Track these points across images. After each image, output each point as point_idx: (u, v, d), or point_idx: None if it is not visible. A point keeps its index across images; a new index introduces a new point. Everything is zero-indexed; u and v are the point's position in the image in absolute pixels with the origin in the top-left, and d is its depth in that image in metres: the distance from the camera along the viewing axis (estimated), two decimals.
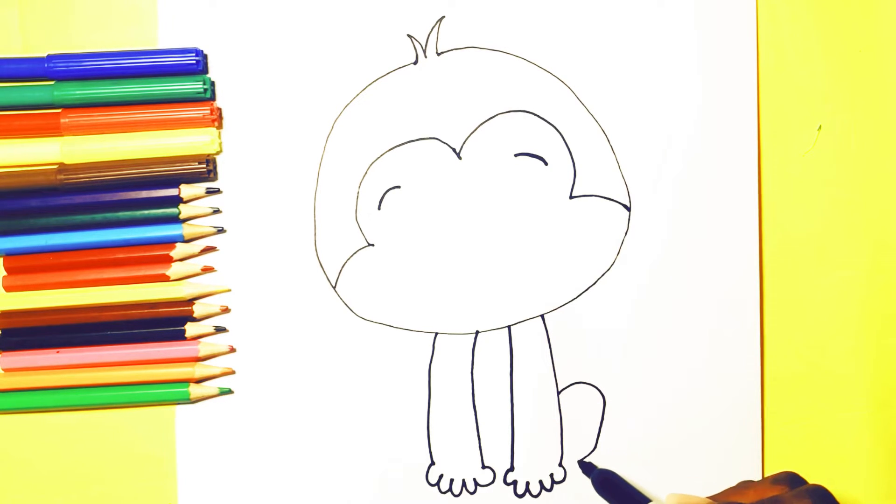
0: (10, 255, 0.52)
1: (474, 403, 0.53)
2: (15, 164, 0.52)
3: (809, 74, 0.53)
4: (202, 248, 0.52)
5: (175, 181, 0.52)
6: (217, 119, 0.52)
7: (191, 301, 0.52)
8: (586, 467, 0.53)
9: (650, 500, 0.47)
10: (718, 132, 0.53)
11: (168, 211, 0.52)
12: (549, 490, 0.53)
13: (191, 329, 0.52)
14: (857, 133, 0.54)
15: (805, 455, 0.54)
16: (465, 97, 0.53)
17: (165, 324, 0.52)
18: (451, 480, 0.53)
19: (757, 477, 0.53)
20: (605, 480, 0.51)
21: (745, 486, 0.45)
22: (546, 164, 0.53)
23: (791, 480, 0.43)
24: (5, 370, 0.52)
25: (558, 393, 0.53)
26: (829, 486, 0.54)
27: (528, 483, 0.53)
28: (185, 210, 0.52)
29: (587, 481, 0.53)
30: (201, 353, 0.52)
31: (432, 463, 0.53)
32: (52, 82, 0.51)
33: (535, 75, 0.53)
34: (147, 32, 0.52)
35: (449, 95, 0.53)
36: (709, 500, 0.42)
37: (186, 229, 0.52)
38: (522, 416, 0.53)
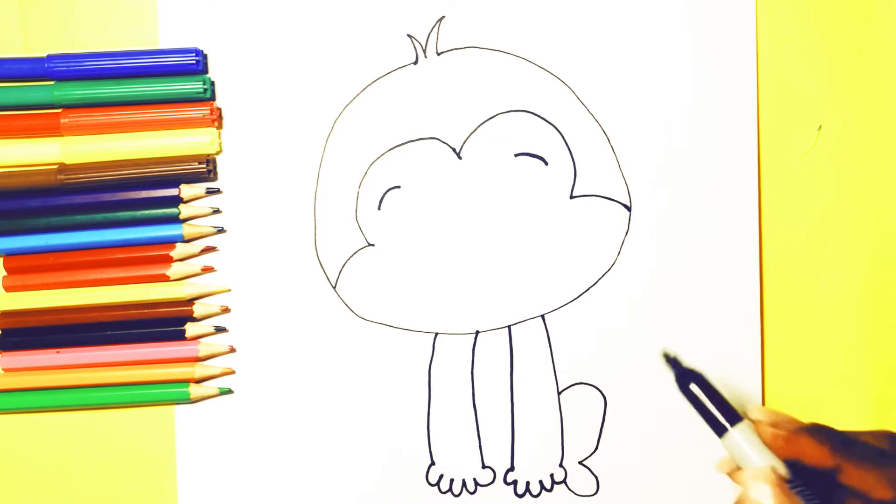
0: (10, 255, 0.52)
1: (474, 403, 0.53)
2: (15, 164, 0.52)
3: (809, 74, 0.53)
4: (202, 248, 0.52)
5: (175, 181, 0.52)
6: (217, 119, 0.52)
7: (191, 301, 0.52)
8: (672, 362, 0.44)
9: (741, 419, 0.42)
10: (718, 132, 0.53)
11: (168, 211, 0.52)
12: (550, 490, 0.53)
13: (191, 329, 0.52)
14: (857, 133, 0.54)
15: None
16: (465, 97, 0.53)
17: (165, 324, 0.52)
18: (452, 480, 0.53)
19: None
20: (692, 383, 0.43)
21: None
22: (546, 164, 0.53)
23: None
24: (5, 370, 0.52)
25: (559, 393, 0.53)
26: None
27: (528, 483, 0.53)
28: (185, 210, 0.52)
29: (587, 481, 0.53)
30: (201, 353, 0.52)
31: (432, 463, 0.53)
32: (52, 82, 0.51)
33: (535, 75, 0.53)
34: (147, 32, 0.52)
35: (449, 95, 0.53)
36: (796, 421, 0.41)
37: (186, 229, 0.52)
38: (522, 416, 0.53)
